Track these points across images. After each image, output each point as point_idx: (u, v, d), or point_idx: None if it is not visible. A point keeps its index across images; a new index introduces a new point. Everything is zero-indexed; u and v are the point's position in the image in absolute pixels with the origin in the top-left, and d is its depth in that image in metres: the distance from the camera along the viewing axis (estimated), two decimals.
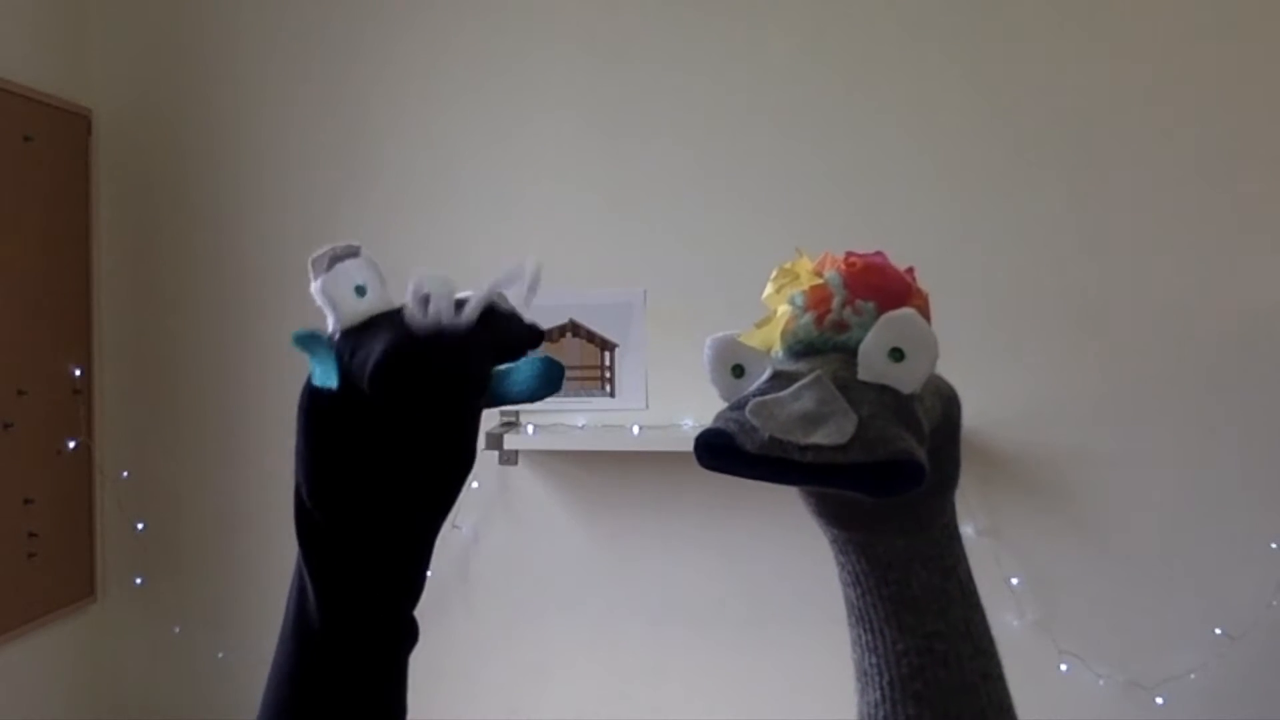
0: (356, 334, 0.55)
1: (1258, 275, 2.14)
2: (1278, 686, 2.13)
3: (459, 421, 0.58)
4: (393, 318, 0.54)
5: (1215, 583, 2.16)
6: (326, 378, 0.55)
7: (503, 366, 0.59)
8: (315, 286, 0.56)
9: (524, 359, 0.58)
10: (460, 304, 0.54)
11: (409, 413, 0.55)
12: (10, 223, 2.32)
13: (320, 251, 0.57)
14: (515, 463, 2.32)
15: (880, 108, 2.28)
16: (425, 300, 0.53)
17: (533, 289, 0.57)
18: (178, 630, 2.59)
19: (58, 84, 2.49)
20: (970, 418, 0.65)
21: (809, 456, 0.50)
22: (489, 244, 2.41)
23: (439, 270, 0.54)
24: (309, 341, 0.56)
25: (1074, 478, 2.22)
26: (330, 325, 0.56)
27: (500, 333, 0.55)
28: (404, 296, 0.55)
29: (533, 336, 0.57)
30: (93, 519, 2.59)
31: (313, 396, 0.57)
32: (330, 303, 0.55)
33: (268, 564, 2.49)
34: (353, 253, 0.57)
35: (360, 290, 0.56)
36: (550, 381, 0.59)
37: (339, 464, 0.55)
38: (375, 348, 0.52)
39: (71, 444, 2.49)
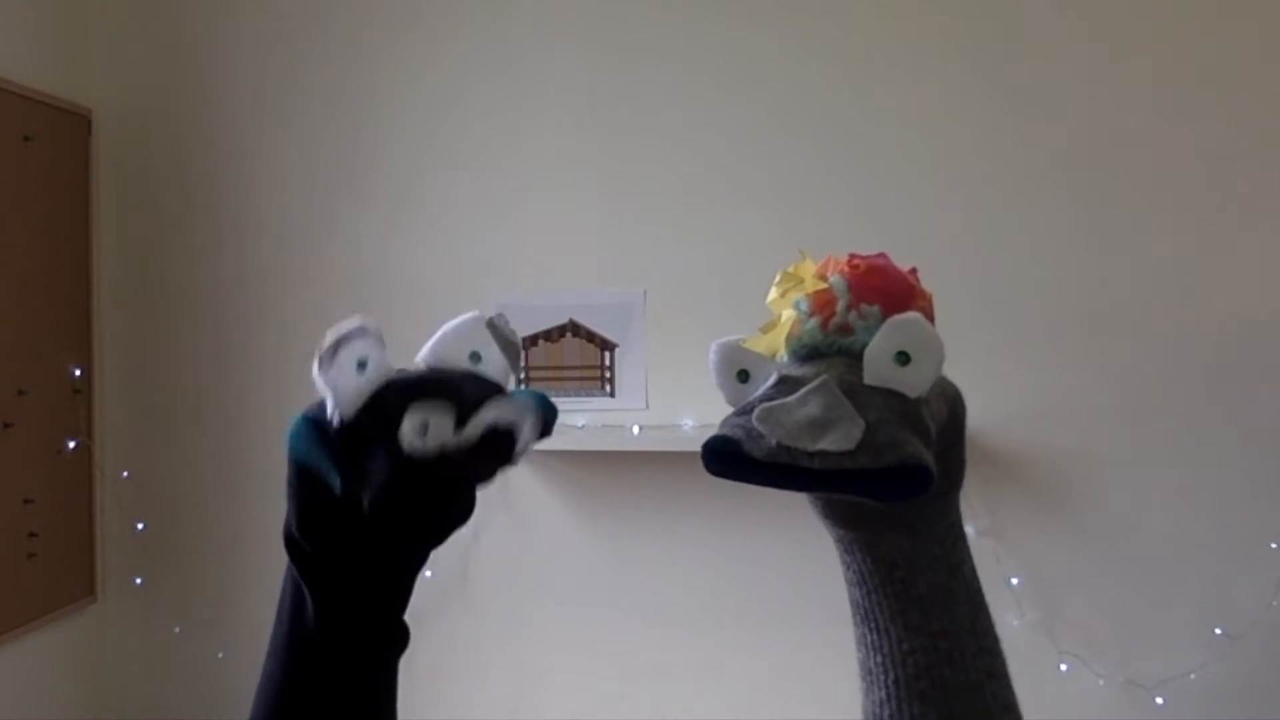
0: (355, 436, 0.53)
1: (1257, 275, 2.14)
2: (1278, 686, 2.13)
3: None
4: (391, 433, 0.52)
5: (1215, 583, 2.16)
6: (327, 479, 0.54)
7: None
8: (318, 376, 0.54)
9: (518, 395, 0.57)
10: (463, 416, 0.52)
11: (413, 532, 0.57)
12: (10, 223, 2.32)
13: (327, 341, 0.54)
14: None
15: (881, 106, 2.28)
16: (424, 428, 0.52)
17: (532, 438, 0.55)
18: (178, 630, 2.59)
19: (58, 84, 2.49)
20: (971, 418, 0.65)
21: (816, 463, 0.50)
22: (490, 243, 2.41)
23: (433, 400, 0.53)
24: (306, 454, 0.54)
25: (1074, 478, 2.22)
26: (329, 407, 0.54)
27: (502, 445, 0.54)
28: (387, 330, 0.55)
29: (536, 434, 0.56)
30: (93, 519, 2.59)
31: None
32: (331, 389, 0.54)
33: (268, 564, 2.47)
34: (360, 333, 0.55)
35: (362, 365, 0.54)
36: (543, 427, 0.58)
37: (330, 507, 0.55)
38: (376, 471, 0.51)
39: (71, 444, 2.49)
